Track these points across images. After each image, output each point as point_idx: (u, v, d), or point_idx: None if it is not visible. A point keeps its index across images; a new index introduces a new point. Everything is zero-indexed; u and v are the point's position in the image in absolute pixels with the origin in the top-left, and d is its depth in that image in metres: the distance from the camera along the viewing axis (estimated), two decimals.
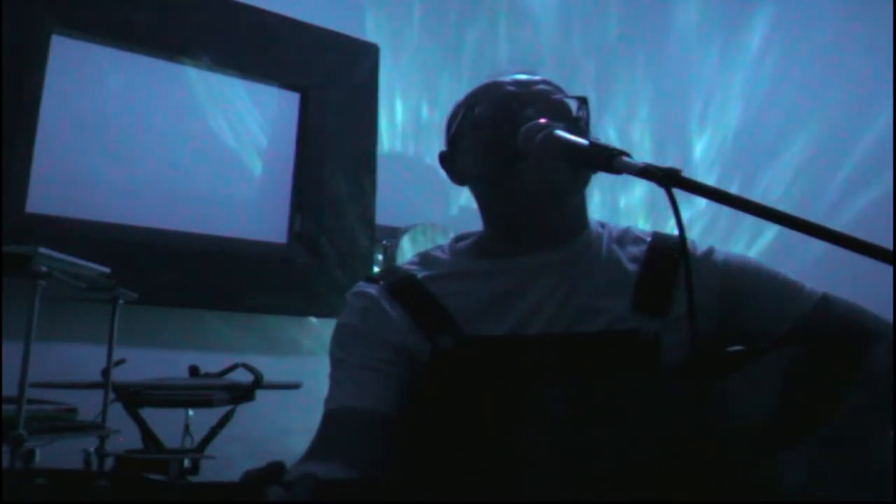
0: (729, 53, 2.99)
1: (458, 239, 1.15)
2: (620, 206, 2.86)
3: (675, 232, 0.82)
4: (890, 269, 0.67)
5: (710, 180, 2.84)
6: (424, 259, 1.12)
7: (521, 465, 0.85)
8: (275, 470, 0.66)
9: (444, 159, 1.15)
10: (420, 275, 1.08)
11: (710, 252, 1.08)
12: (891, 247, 0.67)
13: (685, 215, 0.76)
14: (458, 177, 1.13)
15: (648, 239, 1.10)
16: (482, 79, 1.14)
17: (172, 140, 2.22)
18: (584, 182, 1.06)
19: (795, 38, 2.89)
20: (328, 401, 1.02)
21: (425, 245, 2.34)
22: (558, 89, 1.09)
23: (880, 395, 0.97)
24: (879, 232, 2.30)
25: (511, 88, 1.07)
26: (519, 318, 1.02)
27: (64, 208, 2.01)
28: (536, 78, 1.10)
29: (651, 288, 1.03)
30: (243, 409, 1.72)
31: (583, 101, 1.06)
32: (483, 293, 1.04)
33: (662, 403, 0.91)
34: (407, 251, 2.36)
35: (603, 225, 1.12)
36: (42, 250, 1.31)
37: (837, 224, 0.68)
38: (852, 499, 0.90)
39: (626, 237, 1.11)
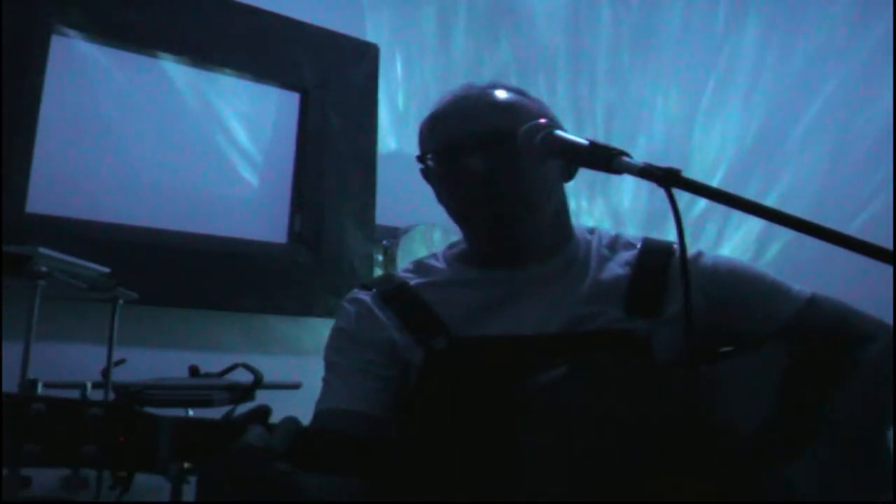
0: (729, 54, 2.99)
1: (451, 246, 1.16)
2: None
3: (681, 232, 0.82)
4: (890, 269, 0.67)
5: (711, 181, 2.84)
6: (419, 267, 1.14)
7: (517, 463, 0.85)
8: (260, 412, 0.69)
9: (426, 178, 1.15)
10: (414, 282, 1.10)
11: (698, 255, 1.09)
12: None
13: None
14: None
15: (639, 244, 1.11)
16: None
17: (172, 140, 2.22)
18: (528, 211, 1.04)
19: (794, 37, 2.89)
20: (319, 402, 1.04)
21: (425, 245, 2.35)
22: (510, 112, 1.05)
23: (879, 397, 0.97)
24: (881, 233, 2.31)
25: (454, 133, 1.06)
26: (511, 322, 1.02)
27: (64, 208, 2.00)
28: (492, 100, 1.07)
29: (643, 290, 1.03)
30: (243, 410, 1.71)
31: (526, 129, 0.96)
32: (475, 301, 1.05)
33: (657, 401, 0.91)
34: (416, 250, 2.35)
35: (591, 231, 1.13)
36: (42, 250, 1.31)
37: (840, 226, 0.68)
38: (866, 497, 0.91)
39: (616, 242, 1.12)
